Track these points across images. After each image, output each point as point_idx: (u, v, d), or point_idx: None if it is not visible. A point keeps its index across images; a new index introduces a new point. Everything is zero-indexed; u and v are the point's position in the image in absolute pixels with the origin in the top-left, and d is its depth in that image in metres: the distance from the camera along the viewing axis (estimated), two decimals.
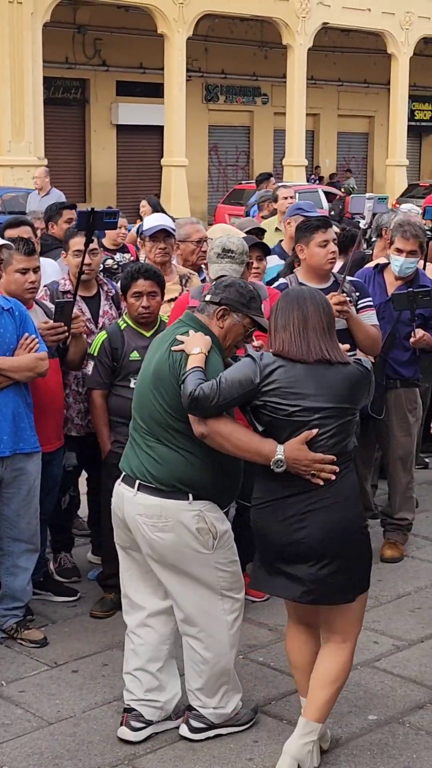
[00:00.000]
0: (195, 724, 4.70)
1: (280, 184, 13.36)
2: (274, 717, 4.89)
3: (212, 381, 4.29)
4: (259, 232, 6.97)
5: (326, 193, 26.90)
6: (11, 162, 24.81)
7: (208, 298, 4.68)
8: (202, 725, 4.69)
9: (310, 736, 4.38)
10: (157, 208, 11.00)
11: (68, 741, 4.68)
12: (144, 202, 11.87)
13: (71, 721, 4.85)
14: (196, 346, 4.46)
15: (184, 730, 4.71)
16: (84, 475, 6.61)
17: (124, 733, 4.69)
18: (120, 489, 4.71)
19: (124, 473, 4.71)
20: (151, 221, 6.84)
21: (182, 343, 4.52)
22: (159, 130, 31.41)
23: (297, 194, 11.43)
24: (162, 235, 6.65)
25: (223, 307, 4.61)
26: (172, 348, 4.54)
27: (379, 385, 6.61)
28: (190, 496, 4.52)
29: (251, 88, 38.52)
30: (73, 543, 6.65)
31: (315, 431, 4.24)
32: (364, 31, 35.89)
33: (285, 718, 4.86)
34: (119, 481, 4.74)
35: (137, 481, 4.60)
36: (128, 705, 4.77)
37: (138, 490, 4.59)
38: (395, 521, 6.93)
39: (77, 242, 6.19)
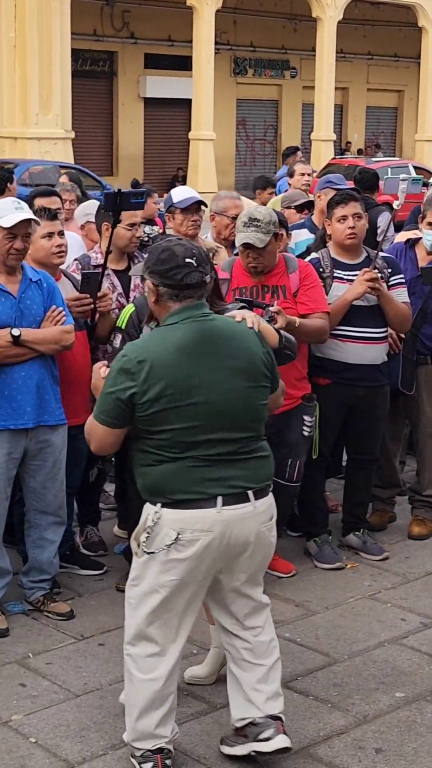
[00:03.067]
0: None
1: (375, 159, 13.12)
2: (300, 693, 4.87)
3: None
4: (310, 205, 6.92)
5: (416, 168, 26.46)
6: (39, 135, 24.80)
7: None
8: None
9: None
10: (79, 184, 10.13)
11: (95, 713, 4.68)
12: (64, 178, 10.77)
13: (98, 693, 4.86)
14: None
15: (287, 741, 4.27)
16: None
17: None
18: (224, 515, 4.05)
19: (220, 497, 4.05)
20: (182, 193, 6.78)
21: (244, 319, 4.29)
22: (187, 103, 31.32)
23: (389, 169, 11.08)
24: (194, 207, 6.61)
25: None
26: (248, 325, 4.23)
27: (409, 360, 6.57)
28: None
29: (280, 62, 38.35)
30: (99, 516, 6.65)
31: None
32: (394, 3, 35.64)
33: (311, 694, 4.85)
34: (216, 509, 4.04)
35: (251, 492, 4.11)
36: (160, 746, 4.23)
37: (255, 499, 4.14)
38: (423, 498, 6.89)
39: (130, 215, 6.15)
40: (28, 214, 5.31)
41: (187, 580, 4.08)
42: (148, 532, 4.06)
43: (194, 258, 4.06)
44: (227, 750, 4.39)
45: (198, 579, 4.10)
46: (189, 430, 3.98)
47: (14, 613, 5.61)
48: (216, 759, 4.37)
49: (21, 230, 5.25)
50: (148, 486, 4.10)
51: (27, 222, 5.26)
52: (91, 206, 7.66)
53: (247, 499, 4.10)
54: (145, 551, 4.08)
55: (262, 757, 4.25)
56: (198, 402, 3.96)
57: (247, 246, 5.66)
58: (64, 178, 10.63)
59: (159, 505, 4.06)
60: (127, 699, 4.27)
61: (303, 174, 9.91)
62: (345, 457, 6.79)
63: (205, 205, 6.69)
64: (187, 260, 4.04)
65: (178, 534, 4.02)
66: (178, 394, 3.95)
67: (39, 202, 6.65)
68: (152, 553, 4.05)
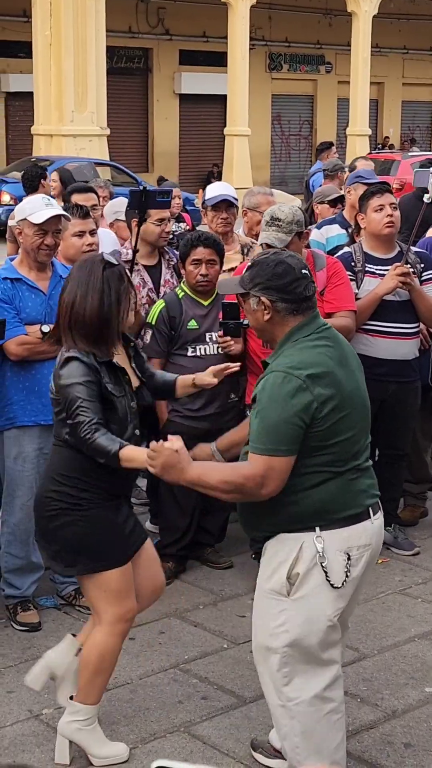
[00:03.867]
0: None
1: (412, 153, 12.85)
2: None
3: None
4: (343, 200, 6.91)
5: None
6: (74, 132, 24.84)
7: None
8: None
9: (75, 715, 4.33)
10: (69, 181, 9.77)
11: (125, 707, 4.71)
12: (54, 175, 10.34)
13: (128, 687, 4.89)
14: None
15: None
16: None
17: None
18: (375, 526, 3.92)
19: (370, 507, 3.91)
20: (214, 190, 6.81)
21: None
22: (222, 99, 31.28)
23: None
24: (224, 205, 6.62)
25: None
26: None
27: None
28: None
29: (315, 57, 38.23)
30: None
31: None
32: None
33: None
34: (371, 520, 3.88)
35: (377, 501, 4.01)
36: None
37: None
38: None
39: (159, 211, 6.19)
40: (58, 210, 5.34)
41: (349, 604, 3.91)
42: (321, 563, 3.76)
43: (306, 268, 3.94)
44: (263, 760, 4.32)
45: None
46: (351, 440, 3.81)
47: (46, 608, 5.65)
48: (245, 754, 4.39)
49: (51, 226, 5.29)
50: (308, 511, 3.78)
51: (57, 218, 5.30)
52: (119, 204, 7.71)
53: (380, 506, 4.00)
54: (333, 586, 3.77)
55: None
56: (352, 410, 3.81)
57: (268, 246, 5.67)
58: (54, 175, 10.10)
59: (317, 529, 3.79)
60: (310, 746, 3.87)
61: None
62: (376, 452, 6.78)
63: (234, 203, 6.69)
64: (303, 272, 3.89)
65: (348, 555, 3.80)
66: (341, 403, 3.76)
67: (76, 198, 6.72)
68: (340, 587, 3.78)
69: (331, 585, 3.76)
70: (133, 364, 4.43)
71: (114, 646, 4.30)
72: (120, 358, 4.31)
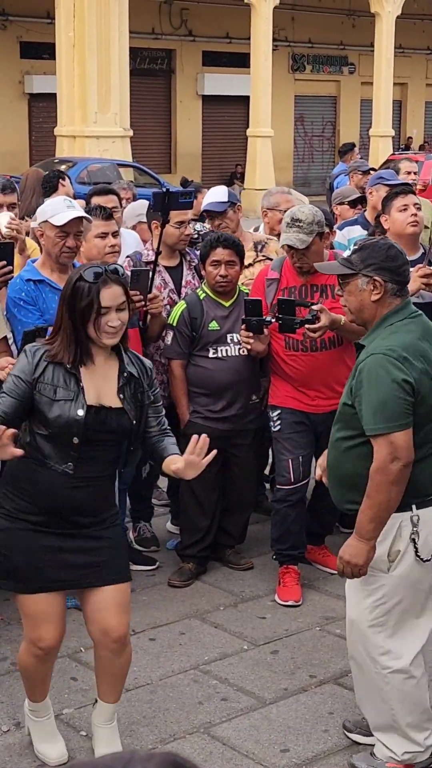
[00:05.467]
0: None
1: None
2: (350, 689, 4.87)
3: None
4: (363, 200, 6.90)
5: None
6: (97, 133, 24.88)
7: None
8: None
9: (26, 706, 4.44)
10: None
11: (145, 708, 4.71)
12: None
13: (148, 688, 4.89)
14: None
15: None
16: None
17: None
18: None
19: None
20: (207, 198, 6.81)
21: None
22: (245, 100, 31.27)
23: None
24: (213, 214, 6.64)
25: None
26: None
27: None
28: None
29: (338, 58, 38.18)
30: (152, 512, 6.68)
31: None
32: None
33: None
34: None
35: None
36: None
37: None
38: None
39: (178, 214, 6.19)
40: (79, 212, 5.34)
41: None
42: (414, 540, 4.05)
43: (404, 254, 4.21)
44: (362, 739, 4.47)
45: None
46: None
47: (67, 608, 5.65)
48: (264, 755, 4.39)
49: (72, 228, 5.29)
50: (407, 489, 3.99)
51: (78, 220, 5.30)
52: (140, 207, 7.72)
53: None
54: (422, 560, 4.06)
55: None
56: None
57: (290, 247, 5.66)
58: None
59: (414, 507, 4.05)
60: (397, 719, 4.21)
61: (409, 173, 9.56)
62: None
63: (224, 209, 6.62)
64: (407, 258, 4.17)
65: None
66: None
67: (96, 200, 6.71)
68: (429, 559, 4.08)
69: (421, 559, 4.05)
70: (122, 395, 4.08)
71: (27, 664, 4.24)
72: (93, 370, 4.05)
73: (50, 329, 5.26)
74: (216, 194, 6.72)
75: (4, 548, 4.08)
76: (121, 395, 4.08)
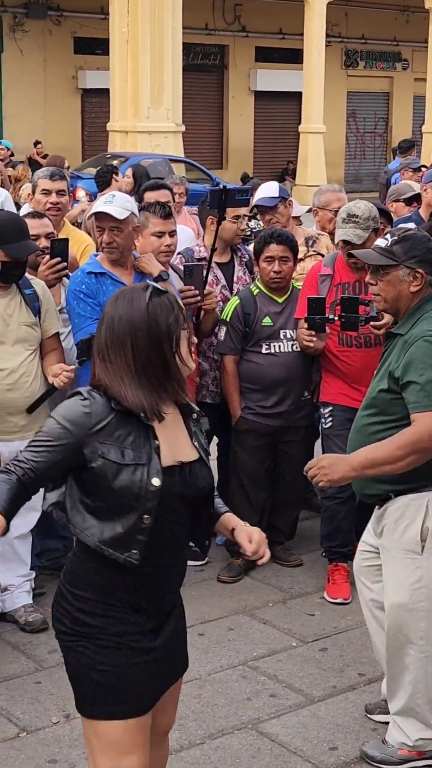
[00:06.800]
0: None
1: None
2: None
3: None
4: (418, 198, 6.85)
5: None
6: (149, 128, 24.93)
7: None
8: None
9: None
10: (143, 178, 9.79)
11: (193, 702, 4.72)
12: (129, 171, 10.26)
13: (196, 683, 4.89)
14: None
15: None
16: (215, 440, 6.63)
17: None
18: None
19: None
20: (258, 193, 6.80)
21: None
22: (297, 96, 31.20)
23: None
24: (265, 209, 6.62)
25: None
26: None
27: None
28: None
29: (391, 54, 37.95)
30: None
31: None
32: None
33: None
34: None
35: None
36: None
37: None
38: None
39: (234, 209, 6.20)
40: (104, 207, 5.34)
41: None
42: None
43: None
44: (382, 718, 4.52)
45: None
46: None
47: None
48: (312, 752, 4.38)
49: (105, 223, 5.31)
50: (429, 470, 4.10)
51: (106, 215, 5.30)
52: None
53: None
54: None
55: None
56: None
57: (345, 242, 5.64)
58: (129, 171, 10.00)
59: None
60: (419, 702, 4.27)
61: None
62: None
63: (276, 203, 6.61)
64: None
65: None
66: None
67: (150, 195, 6.73)
68: None
69: None
70: (196, 442, 3.28)
71: None
72: (165, 422, 3.17)
73: None
74: (267, 190, 6.71)
75: (99, 671, 3.19)
76: (196, 442, 3.28)
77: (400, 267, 4.15)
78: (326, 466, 4.08)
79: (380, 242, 4.26)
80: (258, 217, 6.84)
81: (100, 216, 5.32)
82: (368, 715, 4.63)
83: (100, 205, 5.37)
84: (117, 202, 5.37)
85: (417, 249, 4.15)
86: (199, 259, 6.25)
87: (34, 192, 6.43)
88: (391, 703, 4.34)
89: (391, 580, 4.25)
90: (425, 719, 4.27)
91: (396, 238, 4.20)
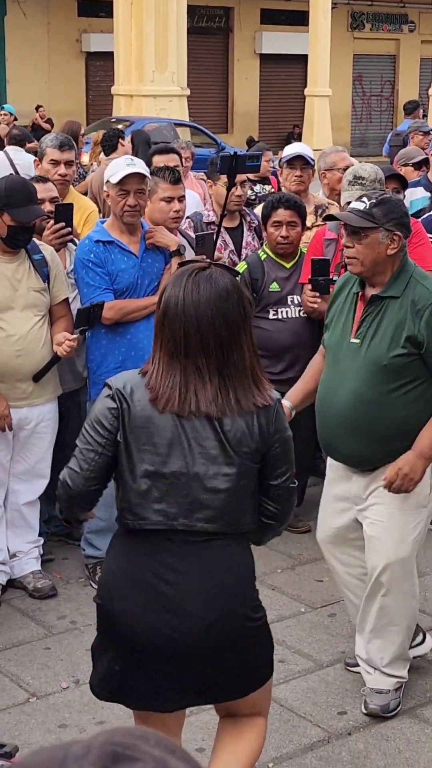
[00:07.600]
0: None
1: None
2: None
3: None
4: (427, 162, 6.81)
5: None
6: (154, 92, 24.77)
7: None
8: None
9: None
10: (141, 145, 9.60)
11: None
12: (129, 138, 9.88)
13: None
14: None
15: None
16: None
17: None
18: None
19: None
20: (290, 149, 6.77)
21: None
22: (303, 59, 30.95)
23: None
24: (299, 162, 6.57)
25: None
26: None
27: None
28: None
29: (398, 16, 37.63)
30: None
31: None
32: None
33: (417, 654, 4.83)
34: None
35: None
36: None
37: None
38: None
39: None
40: (136, 168, 5.31)
41: None
42: None
43: None
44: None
45: None
46: None
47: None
48: (321, 717, 4.39)
49: (132, 186, 5.26)
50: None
51: (137, 177, 5.26)
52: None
53: None
54: None
55: None
56: None
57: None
58: (128, 139, 9.45)
59: None
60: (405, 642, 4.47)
61: None
62: None
63: (310, 163, 6.60)
64: None
65: None
66: None
67: (157, 159, 6.69)
68: None
69: None
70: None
71: None
72: None
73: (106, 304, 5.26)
74: (302, 147, 6.72)
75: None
76: None
77: (379, 229, 4.15)
78: (407, 472, 4.18)
79: (358, 205, 4.24)
80: (281, 168, 6.74)
81: (126, 179, 5.25)
82: (348, 668, 4.71)
83: (125, 167, 5.29)
84: (140, 165, 5.33)
85: (394, 212, 4.18)
86: (208, 224, 6.21)
87: (41, 159, 6.37)
88: (386, 659, 4.42)
89: (392, 537, 4.30)
90: (407, 654, 4.51)
91: (374, 201, 4.21)
